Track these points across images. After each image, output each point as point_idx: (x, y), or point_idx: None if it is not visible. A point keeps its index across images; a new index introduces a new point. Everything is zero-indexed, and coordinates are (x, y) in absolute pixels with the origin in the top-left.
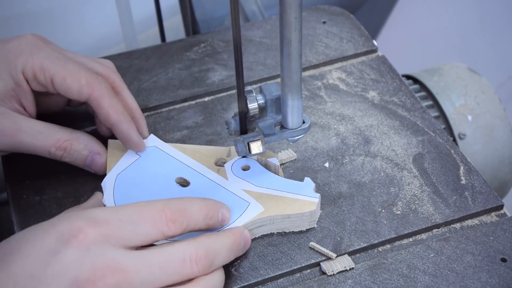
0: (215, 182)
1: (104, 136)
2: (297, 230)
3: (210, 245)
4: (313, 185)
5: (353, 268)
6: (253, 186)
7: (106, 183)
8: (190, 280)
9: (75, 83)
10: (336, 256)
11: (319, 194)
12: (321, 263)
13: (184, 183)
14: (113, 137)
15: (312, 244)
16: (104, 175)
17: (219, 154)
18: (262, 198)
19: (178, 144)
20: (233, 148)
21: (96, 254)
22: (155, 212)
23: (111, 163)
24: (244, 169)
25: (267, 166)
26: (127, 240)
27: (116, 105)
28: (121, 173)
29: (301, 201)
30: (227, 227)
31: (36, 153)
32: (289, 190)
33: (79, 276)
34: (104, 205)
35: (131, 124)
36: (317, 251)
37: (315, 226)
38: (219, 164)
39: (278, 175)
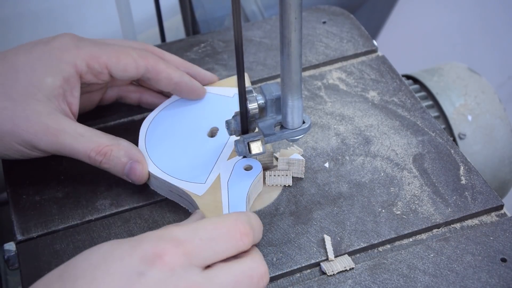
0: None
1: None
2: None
3: (262, 260)
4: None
5: (353, 268)
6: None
7: (141, 128)
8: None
9: (129, 59)
10: (335, 257)
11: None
12: (321, 263)
13: (213, 131)
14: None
15: (326, 236)
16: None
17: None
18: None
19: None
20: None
21: (180, 276)
22: (229, 227)
23: None
24: (246, 169)
25: (290, 163)
26: (206, 259)
27: (170, 65)
28: (156, 116)
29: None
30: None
31: (75, 156)
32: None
33: None
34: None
35: (189, 76)
36: (320, 247)
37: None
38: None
39: (303, 171)
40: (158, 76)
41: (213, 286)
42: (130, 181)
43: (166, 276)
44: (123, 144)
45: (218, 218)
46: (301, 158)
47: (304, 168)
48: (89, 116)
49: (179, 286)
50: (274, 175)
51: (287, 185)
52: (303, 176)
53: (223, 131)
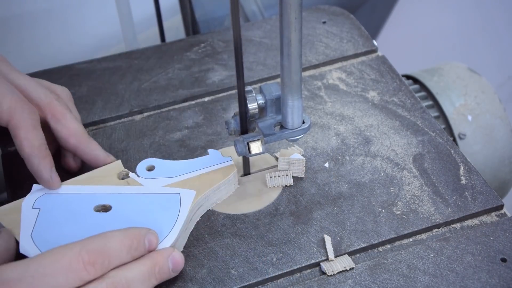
0: (135, 193)
1: (73, 171)
2: (227, 196)
3: (122, 276)
4: (218, 152)
5: (353, 268)
6: (170, 179)
7: (28, 249)
8: None
9: None
10: (336, 257)
11: (229, 157)
12: (321, 263)
13: (104, 208)
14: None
15: (326, 236)
16: None
17: (116, 169)
18: (186, 184)
19: (68, 181)
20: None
21: None
22: (71, 258)
23: (15, 229)
24: (149, 170)
25: (290, 163)
26: None
27: (32, 137)
28: (34, 231)
29: (221, 169)
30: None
31: None
32: (204, 166)
33: None
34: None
35: (44, 160)
36: (320, 247)
37: (238, 186)
38: (123, 177)
39: (304, 170)
40: (14, 139)
41: None
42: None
43: None
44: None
45: (60, 248)
46: (302, 157)
47: (304, 167)
48: (90, 115)
49: None
50: (275, 176)
51: (288, 185)
52: (303, 176)
53: (114, 201)
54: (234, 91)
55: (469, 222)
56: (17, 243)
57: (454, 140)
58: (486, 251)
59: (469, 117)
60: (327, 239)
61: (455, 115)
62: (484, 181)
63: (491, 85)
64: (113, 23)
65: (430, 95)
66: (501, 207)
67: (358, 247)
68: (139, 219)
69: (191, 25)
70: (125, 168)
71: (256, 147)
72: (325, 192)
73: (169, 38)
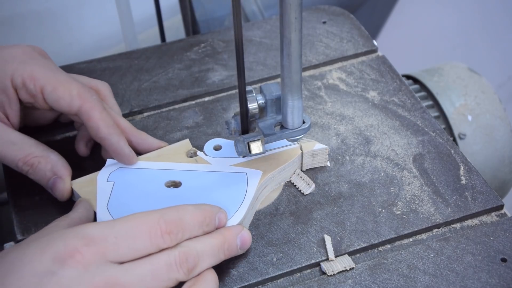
0: (203, 171)
1: (81, 156)
2: (289, 178)
3: (193, 247)
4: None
5: (353, 268)
6: (237, 159)
7: (104, 219)
8: (181, 283)
9: (66, 93)
10: (337, 256)
11: (297, 143)
12: (321, 263)
13: (174, 184)
14: (88, 160)
15: (326, 236)
16: (66, 202)
17: (184, 147)
18: (253, 164)
19: (140, 157)
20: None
21: (94, 273)
22: (150, 225)
23: (92, 201)
24: (216, 149)
25: (314, 155)
26: (123, 256)
27: (106, 118)
28: (109, 203)
29: (286, 151)
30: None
31: (6, 163)
32: (271, 148)
33: None
34: (94, 211)
35: (122, 137)
36: (320, 247)
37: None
38: (192, 155)
39: (327, 158)
40: (88, 123)
41: (130, 276)
42: (54, 195)
43: (79, 273)
44: (52, 157)
45: (140, 215)
46: (324, 146)
47: (328, 155)
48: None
49: (94, 281)
50: (301, 177)
51: (301, 191)
52: (328, 164)
53: (183, 177)
54: (234, 91)
55: (469, 222)
56: (95, 213)
57: (454, 140)
58: (486, 251)
59: (469, 117)
60: (327, 239)
61: (455, 115)
62: (484, 181)
63: (491, 85)
64: (113, 23)
65: (430, 95)
66: (501, 207)
67: (358, 247)
68: (208, 196)
69: (191, 25)
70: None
71: (256, 147)
72: (325, 192)
73: (169, 38)
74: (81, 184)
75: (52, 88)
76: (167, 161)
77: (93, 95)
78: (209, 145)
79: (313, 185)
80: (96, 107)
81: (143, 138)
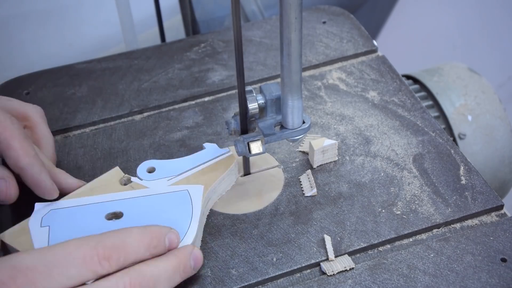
0: (143, 196)
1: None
2: (230, 186)
3: (146, 271)
4: (214, 145)
5: (353, 268)
6: (174, 178)
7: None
8: None
9: None
10: (337, 256)
11: (227, 148)
12: (321, 263)
13: (115, 216)
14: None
15: (326, 236)
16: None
17: (116, 176)
18: (191, 180)
19: (70, 194)
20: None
21: None
22: (86, 251)
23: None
24: (150, 171)
25: (324, 151)
26: (56, 284)
27: (28, 147)
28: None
29: (222, 161)
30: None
31: None
32: (204, 160)
33: None
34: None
35: (43, 168)
36: (320, 247)
37: (239, 175)
38: (126, 182)
39: (337, 153)
40: (7, 152)
41: None
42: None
43: None
44: None
45: (76, 240)
46: (333, 141)
47: (337, 150)
48: (90, 115)
49: None
50: (308, 177)
51: (303, 191)
52: (337, 159)
53: (123, 207)
54: (234, 91)
55: (469, 222)
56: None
57: (454, 140)
58: (486, 251)
59: (469, 117)
60: (327, 239)
61: (455, 115)
62: (484, 181)
63: (491, 85)
64: (113, 24)
65: (430, 95)
66: (501, 207)
67: (358, 247)
68: (154, 222)
69: (191, 25)
70: (124, 170)
71: (256, 147)
72: (325, 192)
73: (169, 38)
74: (13, 235)
75: None
76: (101, 193)
77: (15, 122)
78: (141, 169)
79: (315, 190)
80: (16, 136)
81: (63, 178)
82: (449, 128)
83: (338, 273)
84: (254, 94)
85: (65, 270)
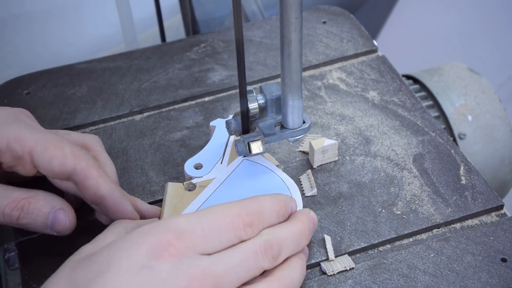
0: (223, 182)
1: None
2: None
3: (277, 235)
4: (223, 120)
5: (353, 268)
6: (223, 159)
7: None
8: (266, 272)
9: (58, 153)
10: (337, 256)
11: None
12: (321, 263)
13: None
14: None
15: (326, 236)
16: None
17: (176, 190)
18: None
19: (163, 215)
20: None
21: (189, 264)
22: (233, 218)
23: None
24: (198, 168)
25: (325, 151)
26: (210, 248)
27: (104, 175)
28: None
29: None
30: None
31: None
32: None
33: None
34: None
35: (123, 193)
36: (320, 247)
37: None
38: (190, 188)
39: (337, 153)
40: (85, 182)
41: (223, 266)
42: (56, 233)
43: (175, 266)
44: (42, 194)
45: (222, 207)
46: (333, 142)
47: (337, 150)
48: (90, 115)
49: (190, 273)
50: (309, 177)
51: (303, 191)
52: (337, 159)
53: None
54: (234, 91)
55: (469, 222)
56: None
57: (454, 140)
58: (486, 251)
59: (469, 117)
60: (327, 239)
61: (455, 115)
62: (484, 181)
63: (491, 85)
64: (113, 23)
65: (430, 95)
66: (501, 207)
67: (358, 247)
68: (261, 187)
69: (191, 25)
70: (124, 170)
71: (256, 147)
72: (325, 192)
73: (169, 38)
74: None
75: (43, 149)
76: (184, 208)
77: (86, 153)
78: (189, 169)
79: (315, 190)
80: (92, 165)
81: (140, 204)
82: (449, 128)
83: (338, 273)
84: (254, 94)
85: (217, 234)
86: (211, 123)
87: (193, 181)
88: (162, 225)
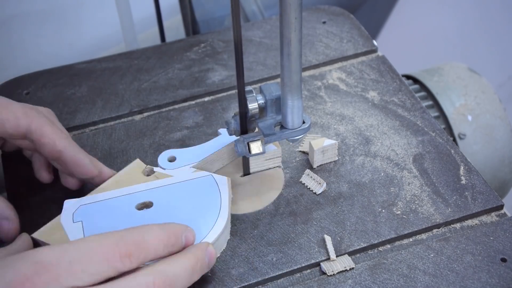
0: (169, 184)
1: (46, 182)
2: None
3: (168, 271)
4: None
5: (353, 268)
6: (195, 164)
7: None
8: None
9: (10, 115)
10: (337, 256)
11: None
12: (321, 263)
13: (145, 206)
14: (79, 191)
15: (326, 236)
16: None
17: (138, 168)
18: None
19: (96, 189)
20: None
21: None
22: (108, 248)
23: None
24: (171, 160)
25: (324, 151)
26: (80, 281)
27: (59, 131)
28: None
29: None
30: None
31: None
32: (220, 146)
33: None
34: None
35: (80, 148)
36: (321, 247)
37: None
38: (149, 173)
39: (337, 153)
40: (41, 140)
41: None
42: (2, 239)
43: None
44: None
45: (98, 237)
46: (333, 141)
47: (337, 150)
48: (90, 115)
49: None
50: (311, 177)
51: (313, 191)
52: (337, 159)
53: (152, 197)
54: (234, 91)
55: (469, 222)
56: (35, 244)
57: (454, 140)
58: (486, 251)
59: (469, 117)
60: (328, 239)
61: (455, 115)
62: (484, 181)
63: (491, 85)
64: (113, 23)
65: (430, 95)
66: (501, 207)
67: (358, 247)
68: (184, 209)
69: (191, 25)
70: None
71: (256, 147)
72: (325, 192)
73: (169, 38)
74: (46, 233)
75: None
76: (127, 185)
77: (39, 111)
78: (162, 158)
79: (325, 184)
80: (45, 123)
81: (98, 164)
82: (449, 128)
83: (338, 273)
84: (254, 94)
85: (87, 266)
86: (219, 130)
87: (155, 168)
88: (25, 258)
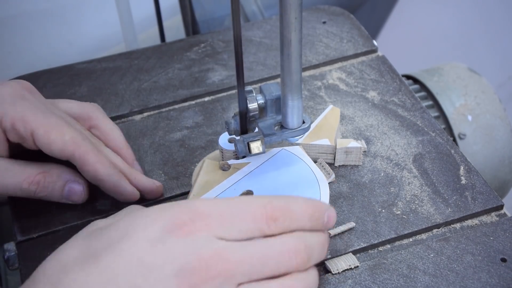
0: (256, 169)
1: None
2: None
3: (308, 240)
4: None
5: (358, 266)
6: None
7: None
8: (287, 274)
9: (58, 138)
10: (340, 255)
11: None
12: (325, 262)
13: (248, 194)
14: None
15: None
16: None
17: (212, 166)
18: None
19: (189, 195)
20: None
21: (202, 245)
22: (256, 208)
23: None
24: (230, 142)
25: (348, 152)
26: (228, 234)
27: (103, 159)
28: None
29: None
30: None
31: (8, 193)
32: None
33: (185, 266)
34: None
35: (121, 175)
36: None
37: None
38: (225, 168)
39: (361, 158)
40: (84, 168)
41: (238, 254)
42: (71, 202)
43: (186, 244)
44: (55, 167)
45: (249, 197)
46: (359, 145)
47: (362, 155)
48: None
49: (200, 254)
50: (322, 166)
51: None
52: (361, 163)
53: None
54: (234, 91)
55: (469, 222)
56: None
57: (454, 140)
58: (486, 251)
59: (469, 117)
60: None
61: (455, 115)
62: (484, 181)
63: (491, 85)
64: (113, 23)
65: (430, 95)
66: (501, 207)
67: (358, 247)
68: (286, 187)
69: (191, 25)
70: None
71: (256, 147)
72: None
73: (169, 38)
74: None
75: (43, 132)
76: (214, 185)
77: (86, 138)
78: (223, 140)
79: (333, 175)
80: (90, 150)
81: (138, 179)
82: (449, 128)
83: (338, 273)
84: (254, 94)
85: (236, 222)
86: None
87: (229, 162)
88: (180, 204)
